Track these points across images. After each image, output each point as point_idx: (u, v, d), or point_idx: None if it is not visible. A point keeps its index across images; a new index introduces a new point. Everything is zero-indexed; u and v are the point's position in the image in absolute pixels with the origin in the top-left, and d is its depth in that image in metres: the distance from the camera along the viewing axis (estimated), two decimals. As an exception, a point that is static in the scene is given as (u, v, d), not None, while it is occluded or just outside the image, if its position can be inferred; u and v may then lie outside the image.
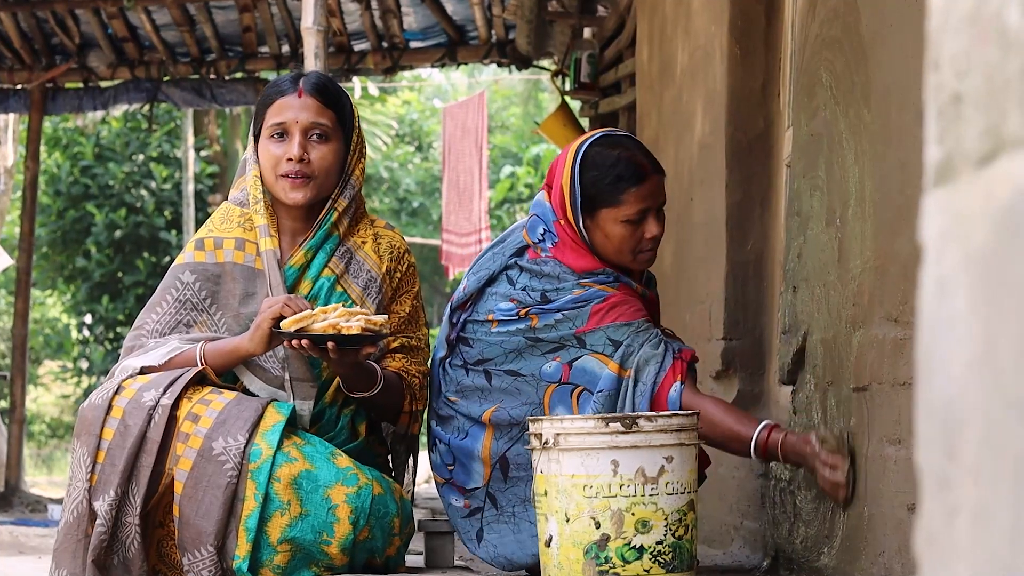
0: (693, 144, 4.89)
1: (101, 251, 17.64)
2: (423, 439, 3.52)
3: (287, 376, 3.21)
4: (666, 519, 2.91)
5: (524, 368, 3.31)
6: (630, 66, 7.20)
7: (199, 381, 3.12)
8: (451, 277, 13.60)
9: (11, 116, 12.79)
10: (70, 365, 19.56)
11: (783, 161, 4.23)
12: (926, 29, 0.94)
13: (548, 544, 2.96)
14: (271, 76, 9.27)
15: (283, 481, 3.04)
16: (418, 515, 3.65)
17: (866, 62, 3.02)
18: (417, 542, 3.70)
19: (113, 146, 17.70)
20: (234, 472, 3.02)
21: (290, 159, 3.24)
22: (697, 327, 4.67)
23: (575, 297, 3.29)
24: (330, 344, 3.01)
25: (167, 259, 17.28)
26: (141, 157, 17.78)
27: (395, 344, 3.33)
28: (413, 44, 9.42)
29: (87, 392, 17.93)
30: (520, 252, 3.38)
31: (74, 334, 19.32)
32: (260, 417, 3.07)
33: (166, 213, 17.81)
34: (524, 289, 3.33)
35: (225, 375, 3.20)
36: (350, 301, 3.28)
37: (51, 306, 20.35)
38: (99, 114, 9.89)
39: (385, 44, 9.36)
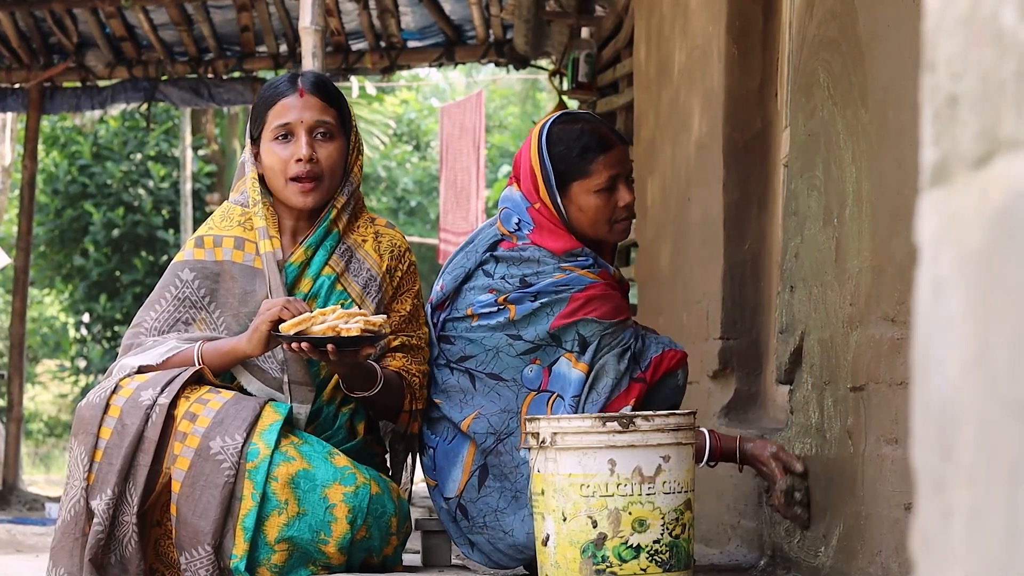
0: (690, 144, 4.90)
1: (99, 250, 17.64)
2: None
3: (286, 379, 3.21)
4: (663, 518, 2.91)
5: (505, 372, 3.32)
6: (628, 66, 7.20)
7: (197, 381, 3.12)
8: (449, 276, 13.57)
9: (9, 115, 12.80)
10: (68, 364, 19.57)
11: (780, 161, 4.24)
12: (922, 30, 0.95)
13: (545, 543, 2.96)
14: (269, 76, 9.28)
15: (280, 480, 3.04)
16: (415, 514, 3.65)
17: (863, 63, 3.02)
18: (414, 541, 3.70)
19: (111, 145, 17.70)
20: (231, 471, 3.02)
21: (299, 160, 3.23)
22: (694, 327, 4.68)
23: (556, 281, 3.31)
24: (330, 346, 3.01)
25: (165, 258, 17.29)
26: (139, 156, 17.79)
27: (395, 343, 3.33)
28: (411, 44, 9.43)
29: (85, 391, 17.94)
30: (493, 246, 3.39)
31: (72, 333, 19.32)
32: (258, 416, 3.07)
33: (164, 212, 17.81)
34: (503, 278, 3.34)
35: (223, 375, 3.20)
36: (350, 300, 3.28)
37: (49, 305, 20.35)
38: (97, 113, 9.88)
39: (383, 44, 9.36)
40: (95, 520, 3.00)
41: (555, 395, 3.29)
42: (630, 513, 2.89)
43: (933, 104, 0.92)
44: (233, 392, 3.14)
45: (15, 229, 11.32)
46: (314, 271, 3.29)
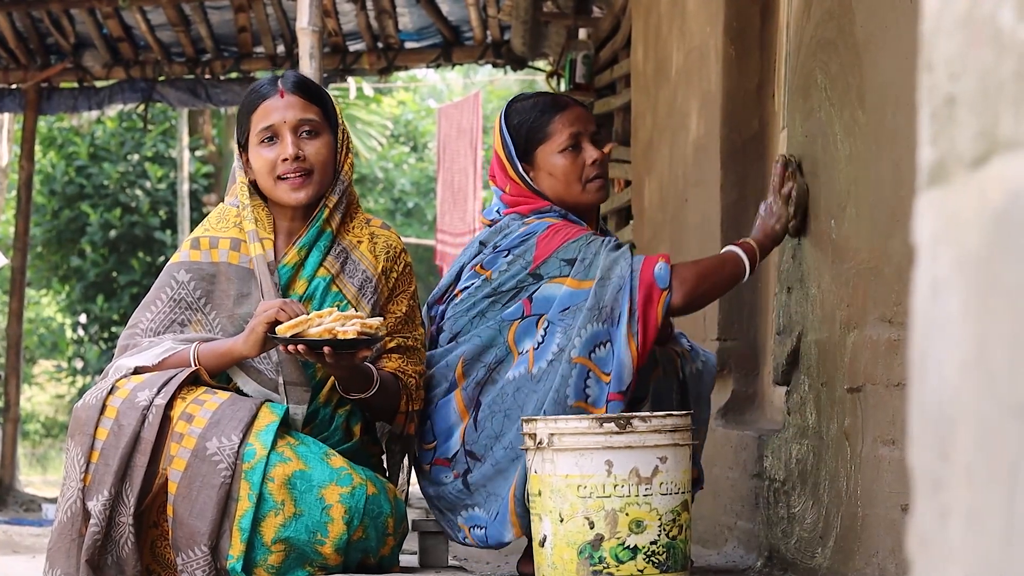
0: (688, 145, 4.90)
1: (96, 251, 17.63)
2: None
3: (281, 380, 3.21)
4: (660, 519, 2.91)
5: (489, 320, 3.32)
6: (625, 67, 7.20)
7: (193, 381, 3.12)
8: (446, 277, 13.59)
9: (6, 116, 12.79)
10: (65, 364, 19.56)
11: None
12: (920, 31, 0.95)
13: (542, 544, 2.96)
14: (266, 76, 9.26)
15: (277, 481, 3.04)
16: (412, 515, 3.65)
17: (861, 63, 3.02)
18: (411, 542, 3.70)
19: (108, 146, 17.69)
20: (228, 472, 3.02)
21: (285, 159, 3.23)
22: (692, 328, 4.68)
23: (519, 233, 3.35)
24: (326, 349, 3.01)
25: (162, 259, 17.28)
26: (136, 157, 17.78)
27: (391, 344, 3.33)
28: (408, 45, 9.43)
29: (82, 391, 17.93)
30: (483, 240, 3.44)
31: (69, 333, 19.31)
32: (254, 417, 3.07)
33: (161, 213, 17.80)
34: (482, 255, 3.37)
35: (219, 376, 3.20)
36: (345, 302, 3.28)
37: (46, 305, 20.34)
38: (94, 114, 9.88)
39: (380, 45, 9.36)
40: (91, 521, 3.00)
41: (543, 316, 3.27)
42: (627, 514, 2.89)
43: (931, 104, 0.92)
44: (229, 393, 3.14)
45: (12, 230, 11.32)
46: (308, 272, 3.29)
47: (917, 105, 0.95)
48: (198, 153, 18.04)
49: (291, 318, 3.05)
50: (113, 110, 9.72)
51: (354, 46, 9.43)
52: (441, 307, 3.44)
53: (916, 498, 0.92)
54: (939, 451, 0.89)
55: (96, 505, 3.00)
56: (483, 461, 3.30)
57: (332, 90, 12.12)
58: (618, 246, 3.30)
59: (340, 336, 3.02)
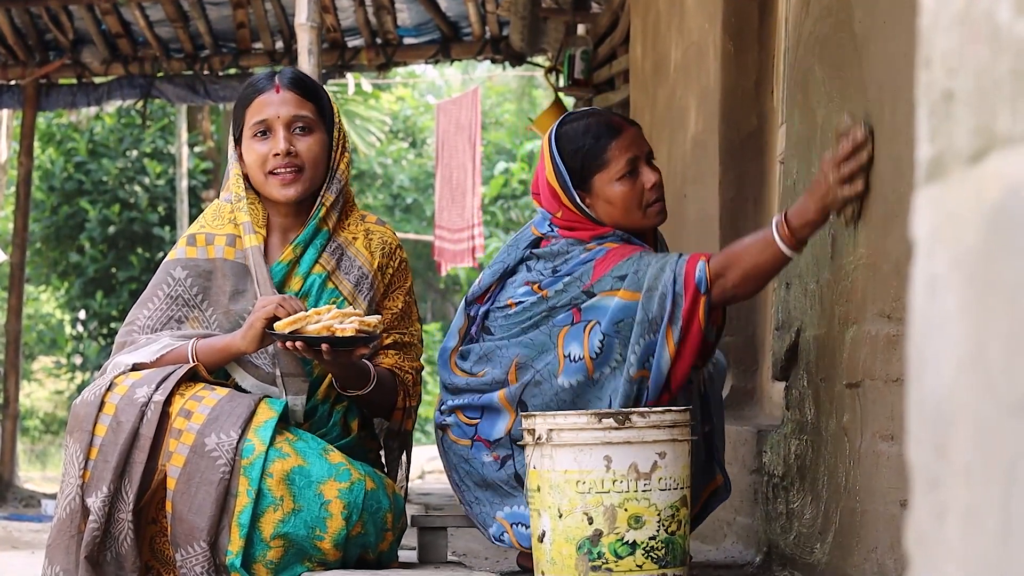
0: (686, 141, 4.90)
1: (95, 247, 17.63)
2: (429, 432, 3.50)
3: (278, 372, 3.21)
4: (659, 515, 2.91)
5: (542, 328, 3.28)
6: (624, 63, 7.20)
7: (191, 378, 3.12)
8: (444, 273, 13.59)
9: (5, 112, 12.78)
10: (64, 361, 19.55)
11: (776, 158, 4.24)
12: (918, 27, 0.95)
13: (541, 539, 2.96)
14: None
15: (276, 477, 3.04)
16: (411, 510, 3.65)
17: (859, 59, 3.02)
18: (410, 537, 3.70)
19: (107, 142, 17.68)
20: (227, 468, 3.02)
21: (276, 154, 3.24)
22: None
23: (581, 259, 3.27)
24: (324, 346, 3.01)
25: (160, 255, 17.27)
26: (135, 153, 17.77)
27: (388, 340, 3.33)
28: (407, 40, 9.42)
29: (81, 388, 17.93)
30: (535, 244, 3.37)
31: (68, 330, 19.30)
32: (253, 413, 3.07)
33: (160, 209, 17.79)
34: (539, 272, 3.31)
35: (217, 372, 3.20)
36: (341, 298, 3.28)
37: (45, 302, 20.33)
38: (93, 110, 9.87)
39: (379, 40, 9.36)
40: (91, 517, 3.00)
41: (593, 322, 3.22)
42: (626, 510, 2.89)
43: (929, 100, 0.92)
44: (228, 389, 3.14)
45: (11, 226, 11.32)
46: (304, 269, 3.29)
47: (915, 101, 0.95)
48: (197, 149, 18.04)
49: (289, 314, 3.06)
50: (112, 106, 9.72)
51: (352, 42, 9.43)
52: (481, 307, 3.38)
53: (914, 494, 0.92)
54: (937, 447, 0.89)
55: (95, 501, 3.00)
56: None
57: (331, 86, 12.13)
58: (666, 255, 3.25)
59: (338, 333, 3.02)
